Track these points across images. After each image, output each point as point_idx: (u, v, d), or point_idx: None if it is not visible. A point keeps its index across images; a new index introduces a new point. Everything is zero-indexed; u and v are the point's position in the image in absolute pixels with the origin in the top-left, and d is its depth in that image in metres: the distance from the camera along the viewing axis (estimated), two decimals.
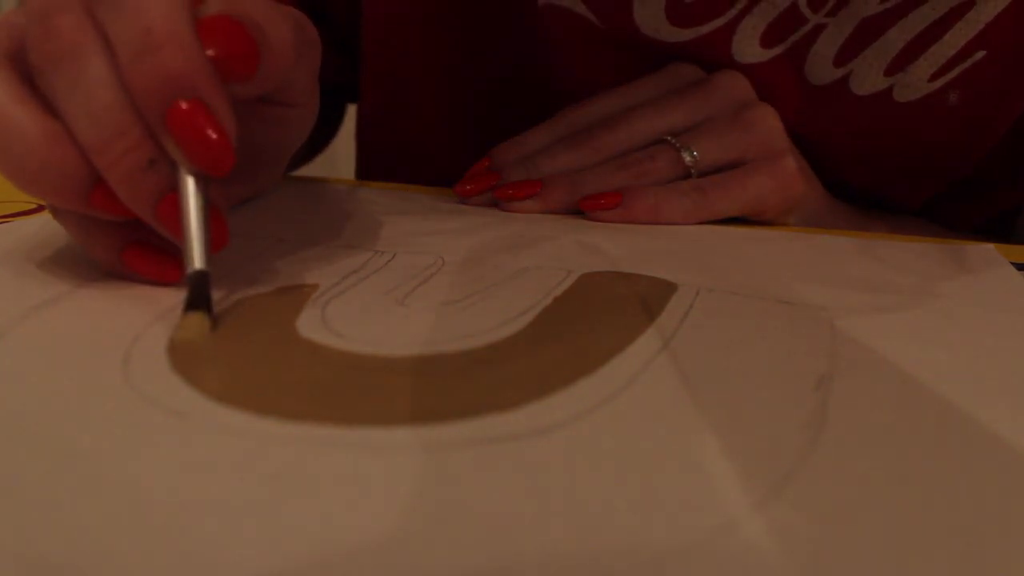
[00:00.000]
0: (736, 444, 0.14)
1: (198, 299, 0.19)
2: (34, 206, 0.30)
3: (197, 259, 0.19)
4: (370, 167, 0.49)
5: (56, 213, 0.22)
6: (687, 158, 0.34)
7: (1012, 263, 0.29)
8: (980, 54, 0.35)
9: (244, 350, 0.17)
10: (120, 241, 0.21)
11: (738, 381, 0.17)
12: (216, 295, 0.20)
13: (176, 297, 0.20)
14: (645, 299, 0.22)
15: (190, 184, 0.19)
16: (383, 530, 0.11)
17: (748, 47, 0.36)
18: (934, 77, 0.36)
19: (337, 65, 0.46)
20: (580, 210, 0.34)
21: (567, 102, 0.37)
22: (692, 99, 0.35)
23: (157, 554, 0.11)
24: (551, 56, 0.39)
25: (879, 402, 0.16)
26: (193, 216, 0.19)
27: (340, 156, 0.60)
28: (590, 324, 0.20)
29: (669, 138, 0.34)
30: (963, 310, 0.23)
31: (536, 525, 0.12)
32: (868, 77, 0.37)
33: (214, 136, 0.18)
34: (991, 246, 0.32)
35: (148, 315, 0.19)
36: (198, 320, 0.18)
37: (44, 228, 0.27)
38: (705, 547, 0.11)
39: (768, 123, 0.35)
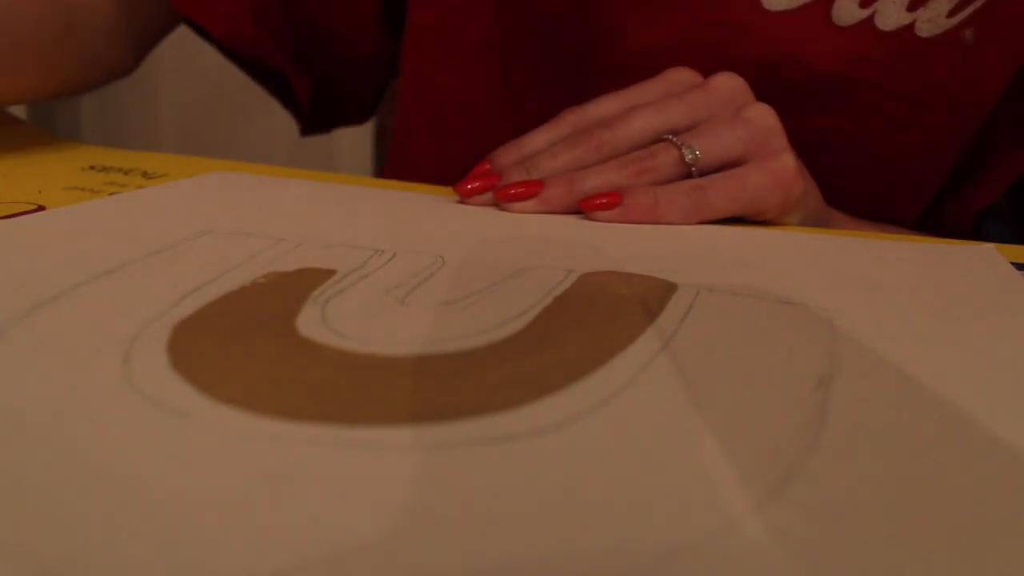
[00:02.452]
0: (736, 444, 0.14)
1: None
2: (34, 206, 0.30)
3: None
4: (407, 152, 0.49)
5: None
6: (688, 156, 0.34)
7: (1012, 263, 0.29)
8: None
9: (244, 350, 0.17)
10: None
11: (738, 381, 0.17)
12: (219, 290, 0.21)
13: (180, 291, 0.20)
14: (645, 299, 0.22)
15: None
16: (383, 530, 0.11)
17: None
18: (952, 13, 0.38)
19: (378, 38, 0.48)
20: (580, 210, 0.34)
21: (609, 70, 0.39)
22: (691, 99, 0.36)
23: (157, 554, 0.11)
24: (591, 9, 0.41)
25: (879, 402, 0.16)
26: None
27: (342, 156, 0.60)
28: (590, 324, 0.20)
29: (670, 136, 0.34)
30: (963, 310, 0.23)
31: (536, 525, 0.12)
32: (892, 14, 0.39)
33: None
34: (991, 246, 0.32)
35: (148, 314, 0.19)
36: None
37: (44, 228, 0.27)
38: (705, 547, 0.11)
39: (767, 122, 0.35)
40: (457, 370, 0.17)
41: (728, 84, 0.36)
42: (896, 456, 0.14)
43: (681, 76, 0.37)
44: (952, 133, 0.43)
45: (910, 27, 0.39)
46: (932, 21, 0.39)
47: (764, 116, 0.35)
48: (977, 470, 0.14)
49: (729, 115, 0.35)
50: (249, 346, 0.18)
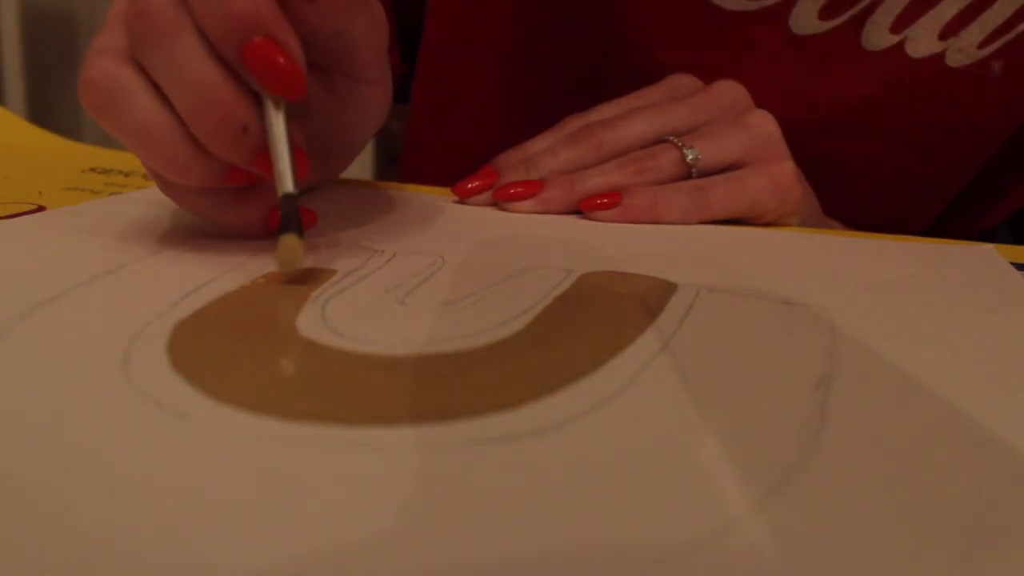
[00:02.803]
0: (736, 444, 0.14)
1: (290, 221, 0.22)
2: (34, 206, 0.30)
3: (288, 183, 0.22)
4: (419, 165, 0.50)
5: (196, 197, 0.25)
6: (690, 156, 0.34)
7: (1012, 263, 0.29)
8: (1022, 26, 0.37)
9: (244, 350, 0.17)
10: (261, 210, 0.25)
11: (738, 381, 0.17)
12: (219, 290, 0.21)
13: (180, 291, 0.20)
14: (645, 299, 0.22)
15: (275, 120, 0.22)
16: (383, 530, 0.11)
17: (806, 20, 0.39)
18: (983, 45, 0.38)
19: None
20: (580, 210, 0.34)
21: (627, 84, 0.38)
22: (692, 103, 0.36)
23: (157, 554, 0.11)
24: (616, 22, 0.41)
25: (879, 402, 0.16)
26: (281, 147, 0.22)
27: None
28: (590, 324, 0.20)
29: (672, 138, 0.34)
30: (963, 310, 0.23)
31: (536, 525, 0.12)
32: (923, 41, 0.39)
33: (284, 63, 0.21)
34: (991, 246, 0.32)
35: (148, 314, 0.19)
36: (293, 243, 0.22)
37: (44, 228, 0.27)
38: (705, 547, 0.11)
39: (767, 128, 0.35)
40: (457, 370, 0.17)
41: (729, 90, 0.36)
42: (896, 456, 0.14)
43: (683, 81, 0.38)
44: (969, 160, 0.43)
45: (940, 56, 0.39)
46: (963, 51, 0.39)
47: (764, 122, 0.35)
48: (977, 470, 0.14)
49: (730, 119, 0.35)
50: (249, 346, 0.18)
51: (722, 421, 0.15)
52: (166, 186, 0.25)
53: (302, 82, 0.22)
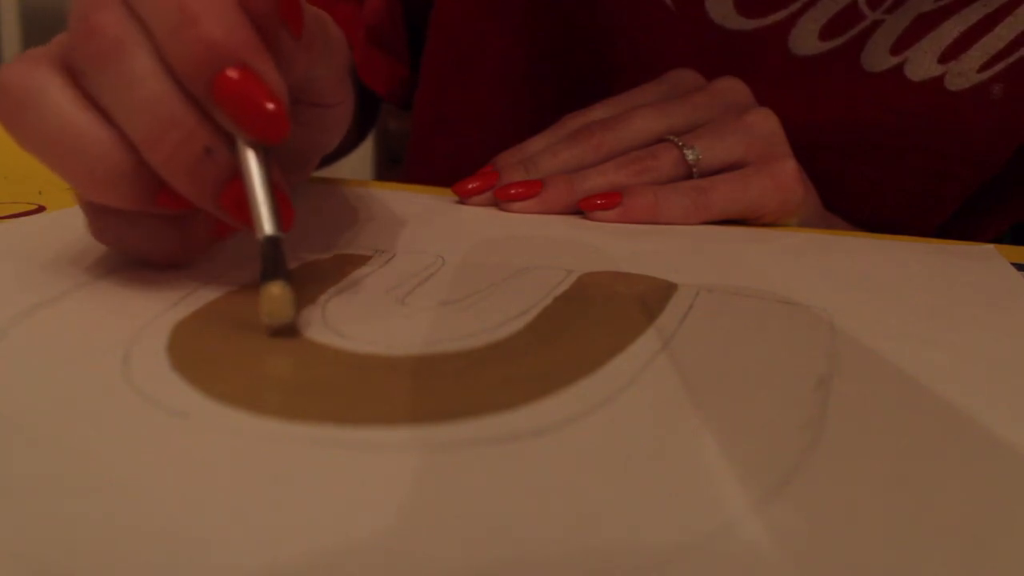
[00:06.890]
0: (736, 444, 0.14)
1: (274, 268, 0.18)
2: (34, 206, 0.30)
3: (267, 225, 0.19)
4: (422, 177, 0.50)
5: (115, 225, 0.21)
6: (690, 156, 0.34)
7: (1012, 263, 0.29)
8: (1023, 50, 0.37)
9: (244, 350, 0.17)
10: (185, 240, 0.21)
11: (738, 381, 0.17)
12: (219, 290, 0.21)
13: (180, 291, 0.20)
14: (645, 299, 0.22)
15: (250, 156, 0.19)
16: (383, 530, 0.11)
17: (806, 40, 0.39)
18: (983, 68, 0.38)
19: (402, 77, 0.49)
20: (580, 210, 0.34)
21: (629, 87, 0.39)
22: (693, 101, 0.36)
23: (156, 554, 0.11)
24: (619, 38, 0.41)
25: (879, 402, 0.16)
26: (257, 185, 0.19)
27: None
28: (590, 324, 0.20)
29: (672, 137, 0.34)
30: (963, 310, 0.23)
31: (536, 525, 0.12)
32: (923, 64, 0.39)
33: (266, 102, 0.18)
34: (991, 246, 0.32)
35: (148, 314, 0.19)
36: (280, 293, 0.18)
37: (44, 228, 0.27)
38: (705, 547, 0.11)
39: (770, 126, 0.35)
40: (457, 370, 0.17)
41: (731, 87, 0.36)
42: (895, 456, 0.14)
43: (684, 77, 0.38)
44: (968, 182, 0.43)
45: (939, 79, 0.39)
46: (962, 75, 0.39)
47: (766, 120, 0.35)
48: (977, 470, 0.14)
49: (731, 118, 0.35)
50: (249, 346, 0.18)
51: (722, 421, 0.15)
52: (89, 211, 0.21)
53: (285, 125, 0.18)
